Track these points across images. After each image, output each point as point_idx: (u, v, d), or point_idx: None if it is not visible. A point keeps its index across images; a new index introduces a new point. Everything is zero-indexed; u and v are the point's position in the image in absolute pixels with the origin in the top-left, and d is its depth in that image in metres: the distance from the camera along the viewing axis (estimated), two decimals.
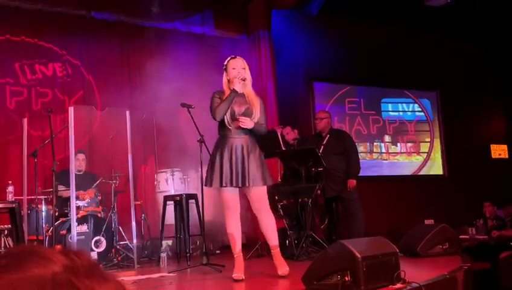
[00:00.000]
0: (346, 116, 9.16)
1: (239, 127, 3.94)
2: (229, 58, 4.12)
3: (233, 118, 3.96)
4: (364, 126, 9.34)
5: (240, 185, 3.93)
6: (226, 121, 3.97)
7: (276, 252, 4.11)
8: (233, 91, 3.94)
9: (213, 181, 3.93)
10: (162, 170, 6.43)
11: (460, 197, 9.21)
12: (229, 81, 4.04)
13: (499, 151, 10.63)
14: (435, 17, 8.83)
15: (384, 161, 9.49)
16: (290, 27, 8.52)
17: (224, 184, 3.89)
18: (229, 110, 3.95)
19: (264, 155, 4.17)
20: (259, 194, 4.02)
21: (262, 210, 4.07)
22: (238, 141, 3.97)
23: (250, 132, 3.99)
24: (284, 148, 6.08)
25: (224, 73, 4.11)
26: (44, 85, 6.74)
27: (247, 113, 3.96)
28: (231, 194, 3.98)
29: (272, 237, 4.13)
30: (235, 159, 3.92)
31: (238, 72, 4.00)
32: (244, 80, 3.99)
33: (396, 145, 9.65)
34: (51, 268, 0.66)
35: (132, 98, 6.86)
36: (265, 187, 4.05)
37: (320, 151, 5.87)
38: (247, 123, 3.91)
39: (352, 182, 5.99)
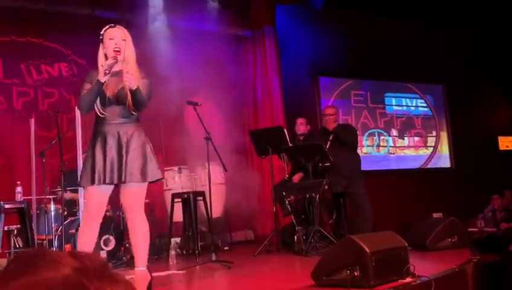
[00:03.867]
0: (352, 108, 9.14)
1: (117, 108, 3.22)
2: (107, 27, 3.32)
3: (105, 105, 3.21)
4: (371, 119, 9.31)
5: (115, 182, 3.18)
6: (97, 109, 3.23)
7: (138, 272, 3.27)
8: (98, 83, 3.17)
9: (82, 180, 3.19)
10: (169, 168, 6.44)
11: (469, 190, 9.17)
12: (106, 56, 3.27)
13: (506, 143, 10.58)
14: (438, 9, 8.79)
15: (392, 155, 9.47)
16: (294, 22, 8.50)
17: (97, 181, 3.13)
18: (98, 96, 3.22)
19: (271, 151, 3.98)
20: (134, 193, 3.24)
21: (136, 214, 3.27)
22: (115, 127, 3.22)
23: (131, 115, 3.26)
24: (290, 144, 6.07)
25: (101, 45, 3.30)
26: (51, 85, 6.76)
27: (121, 95, 3.20)
28: (99, 195, 3.21)
29: (139, 253, 3.29)
30: (110, 151, 3.17)
31: (116, 44, 3.23)
32: (109, 70, 3.14)
33: (404, 139, 9.63)
34: (61, 271, 0.67)
35: None
36: (144, 185, 3.26)
37: (327, 146, 5.86)
38: (131, 79, 3.13)
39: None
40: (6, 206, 4.85)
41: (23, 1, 6.46)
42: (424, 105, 9.94)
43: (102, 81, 3.15)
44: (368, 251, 2.98)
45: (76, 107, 4.59)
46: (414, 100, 9.86)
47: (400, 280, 3.14)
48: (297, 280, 3.77)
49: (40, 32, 6.64)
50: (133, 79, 3.13)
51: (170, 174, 6.36)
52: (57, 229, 5.44)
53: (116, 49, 3.19)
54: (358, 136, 6.80)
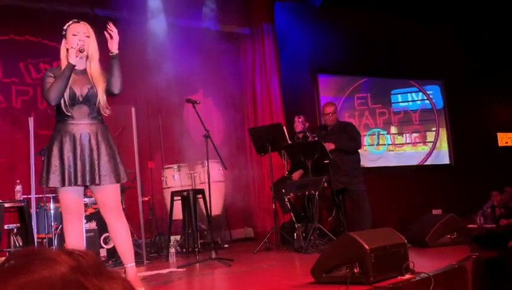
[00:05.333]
0: (355, 111, 9.15)
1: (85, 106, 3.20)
2: (70, 22, 3.27)
3: (74, 103, 3.17)
4: (371, 119, 9.33)
5: (88, 184, 3.19)
6: (63, 106, 3.16)
7: (131, 269, 3.33)
8: (69, 66, 3.14)
9: (50, 179, 3.13)
10: (169, 166, 6.45)
11: (468, 186, 9.19)
12: (68, 51, 3.22)
13: (505, 139, 10.59)
14: (437, 4, 8.80)
15: (391, 152, 9.48)
16: (294, 19, 8.50)
17: (67, 183, 3.12)
18: (67, 93, 3.16)
19: (270, 148, 3.98)
20: (110, 194, 3.26)
21: (113, 214, 3.29)
22: (83, 127, 3.19)
23: (99, 115, 3.25)
24: (290, 142, 6.08)
25: (64, 40, 3.26)
26: None
27: (91, 95, 3.19)
28: (73, 195, 3.22)
29: (126, 251, 3.34)
30: (80, 151, 3.14)
31: (80, 40, 3.18)
32: (82, 51, 3.15)
33: (402, 136, 9.64)
34: (58, 269, 0.66)
35: (137, 94, 6.86)
36: (118, 186, 3.31)
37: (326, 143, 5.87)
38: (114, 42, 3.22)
39: (329, 145, 5.82)
40: (6, 205, 4.85)
41: (23, 0, 6.45)
42: (425, 98, 9.94)
43: (73, 63, 3.14)
44: (367, 247, 2.98)
45: None
46: (419, 94, 9.87)
47: (399, 277, 3.15)
48: (297, 277, 3.77)
49: (39, 31, 6.64)
50: (115, 43, 3.23)
51: (169, 172, 6.37)
52: (56, 228, 5.44)
53: (78, 48, 3.16)
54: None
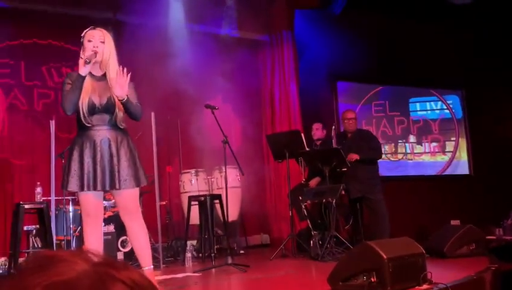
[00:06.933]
0: (372, 118, 9.11)
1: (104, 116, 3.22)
2: (88, 29, 3.28)
3: (94, 112, 3.20)
4: (389, 127, 9.27)
5: (107, 189, 3.26)
6: (82, 117, 3.19)
7: (149, 272, 3.33)
8: (78, 77, 3.14)
9: (69, 183, 3.18)
10: (186, 171, 6.48)
11: (487, 197, 9.07)
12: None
13: None
14: (458, 14, 8.73)
15: (409, 161, 9.40)
16: (313, 27, 8.50)
17: (85, 188, 3.17)
18: (86, 103, 3.18)
19: (291, 156, 3.98)
20: (129, 198, 3.31)
21: (133, 218, 3.34)
22: (103, 133, 3.22)
23: (116, 122, 3.27)
24: (308, 149, 6.07)
25: (82, 48, 3.27)
26: None
27: (110, 105, 3.21)
28: (93, 199, 3.26)
29: (144, 255, 3.37)
30: (100, 157, 3.19)
31: (94, 46, 3.18)
32: (88, 61, 3.11)
33: (421, 145, 9.56)
34: (85, 265, 0.67)
35: (157, 99, 6.91)
36: (137, 189, 3.36)
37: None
38: (118, 90, 3.12)
39: (353, 156, 5.83)
40: (26, 206, 4.92)
41: (46, 5, 6.56)
42: (445, 108, 9.85)
43: (83, 74, 3.13)
44: (385, 257, 2.97)
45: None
46: (439, 103, 9.79)
47: (416, 287, 3.13)
48: (313, 285, 3.77)
49: (62, 36, 6.73)
50: (121, 89, 3.12)
51: (187, 177, 6.40)
52: (75, 230, 5.50)
53: (87, 58, 3.14)
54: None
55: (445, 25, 9.20)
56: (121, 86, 3.12)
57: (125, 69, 3.18)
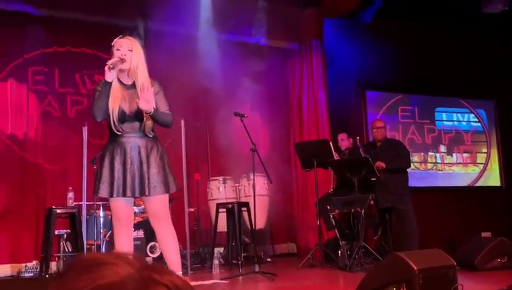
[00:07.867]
0: (399, 124, 9.01)
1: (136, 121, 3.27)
2: (117, 38, 3.34)
3: (124, 120, 3.25)
4: (418, 135, 9.16)
5: (137, 195, 3.31)
6: (112, 124, 3.25)
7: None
8: (105, 84, 3.19)
9: (100, 189, 3.24)
10: (215, 178, 6.52)
11: None
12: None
13: None
14: (492, 24, 8.61)
15: (439, 172, 9.26)
16: (342, 36, 8.48)
17: (115, 194, 3.23)
18: (116, 112, 3.23)
19: (317, 164, 3.93)
20: (159, 204, 3.35)
21: (162, 224, 3.36)
22: (133, 140, 3.27)
23: (145, 129, 3.31)
24: (336, 158, 6.05)
25: (112, 57, 3.32)
26: None
27: (140, 112, 3.24)
28: (124, 204, 3.31)
29: (174, 261, 3.37)
30: (130, 164, 3.23)
31: (122, 54, 3.22)
32: (111, 68, 3.15)
33: (452, 156, 9.41)
34: (129, 269, 0.69)
35: (186, 107, 6.98)
36: (167, 195, 3.39)
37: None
38: (144, 105, 3.15)
39: (380, 164, 5.78)
40: (58, 211, 5.02)
41: (80, 13, 6.71)
42: (476, 120, 9.69)
43: (109, 80, 3.18)
44: (415, 268, 2.93)
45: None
46: (466, 115, 9.63)
47: None
48: None
49: (95, 44, 6.87)
50: (146, 103, 3.15)
51: (215, 185, 6.44)
52: (105, 235, 5.58)
53: (110, 65, 3.17)
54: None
55: (477, 34, 9.07)
56: (146, 100, 3.16)
57: (149, 85, 3.23)
